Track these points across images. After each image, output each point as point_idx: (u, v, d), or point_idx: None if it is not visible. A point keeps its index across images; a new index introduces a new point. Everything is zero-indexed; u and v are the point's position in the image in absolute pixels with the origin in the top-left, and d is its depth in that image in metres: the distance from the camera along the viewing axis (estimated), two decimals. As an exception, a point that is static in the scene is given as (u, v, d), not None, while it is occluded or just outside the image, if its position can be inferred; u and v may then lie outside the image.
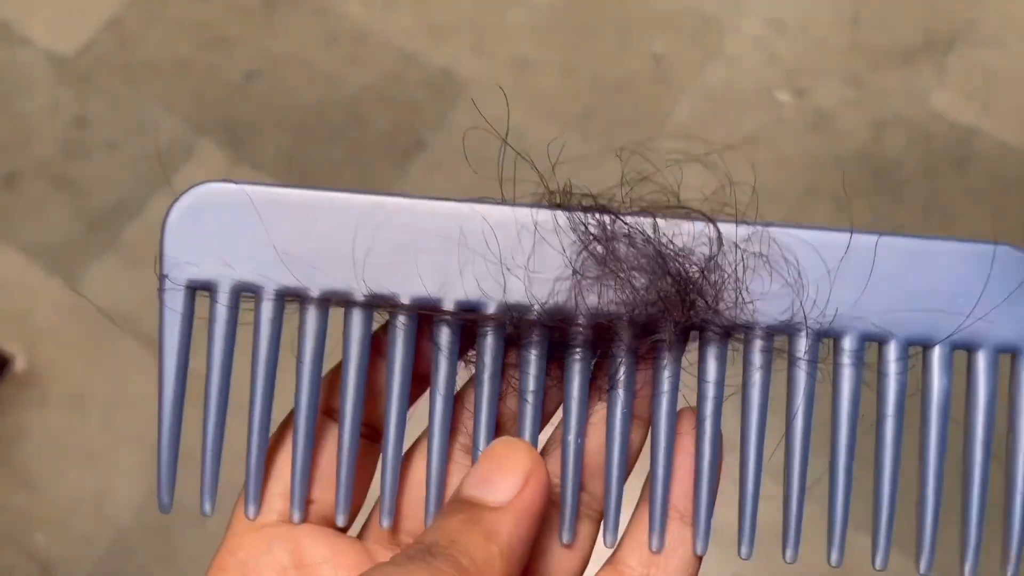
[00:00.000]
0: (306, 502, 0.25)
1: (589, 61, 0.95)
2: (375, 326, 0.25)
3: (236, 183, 0.24)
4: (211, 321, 0.24)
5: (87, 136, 0.93)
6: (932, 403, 0.25)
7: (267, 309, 0.24)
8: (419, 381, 0.26)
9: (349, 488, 0.25)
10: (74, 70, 0.96)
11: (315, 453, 0.26)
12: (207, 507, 0.25)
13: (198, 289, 0.24)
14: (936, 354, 0.25)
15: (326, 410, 0.26)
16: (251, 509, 0.25)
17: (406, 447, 0.26)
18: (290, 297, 0.24)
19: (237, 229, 0.24)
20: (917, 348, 0.25)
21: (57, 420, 0.81)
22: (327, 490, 0.26)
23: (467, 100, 0.93)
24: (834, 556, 0.25)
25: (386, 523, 0.25)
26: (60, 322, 0.84)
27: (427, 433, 0.26)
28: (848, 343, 0.25)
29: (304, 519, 0.25)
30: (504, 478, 0.23)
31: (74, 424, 0.81)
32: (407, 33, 0.97)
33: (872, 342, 0.25)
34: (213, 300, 0.24)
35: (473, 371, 0.25)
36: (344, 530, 0.26)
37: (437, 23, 0.98)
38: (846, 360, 0.25)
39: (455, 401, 0.26)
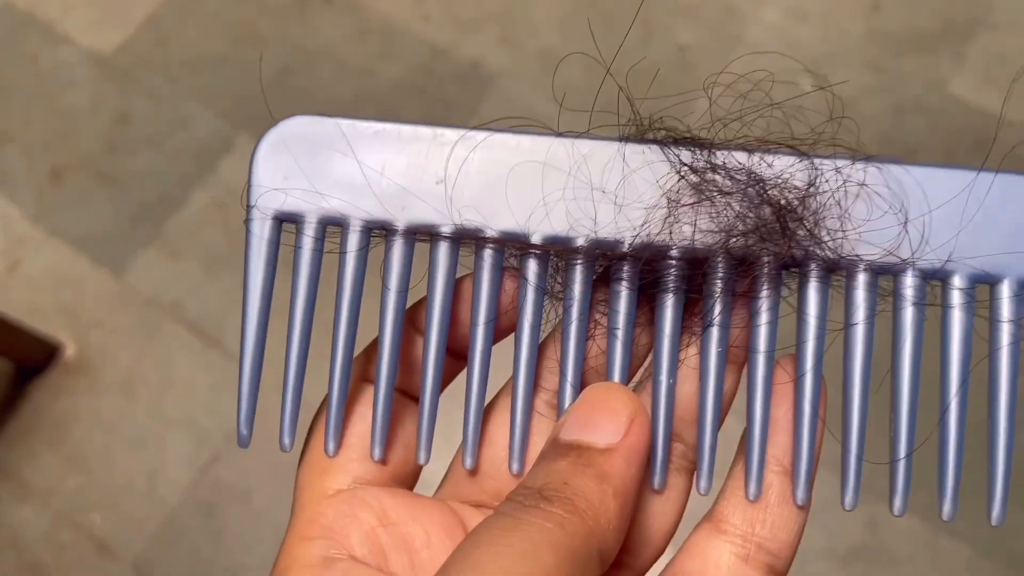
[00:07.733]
0: (387, 443, 0.24)
1: (614, 53, 0.96)
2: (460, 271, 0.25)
3: (328, 116, 0.24)
4: (296, 252, 0.24)
5: (129, 132, 0.95)
6: None
7: (353, 240, 0.23)
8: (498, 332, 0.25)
9: (432, 420, 0.24)
10: (114, 68, 0.99)
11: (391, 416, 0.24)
12: (286, 441, 0.24)
13: (284, 221, 0.24)
14: None
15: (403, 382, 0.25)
16: (331, 446, 0.24)
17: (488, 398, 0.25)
18: (376, 229, 0.24)
19: (325, 161, 0.23)
20: None
21: (107, 405, 0.83)
22: (401, 451, 0.25)
23: (497, 92, 0.95)
24: (946, 509, 0.23)
25: (468, 463, 0.24)
26: (107, 311, 0.87)
27: (505, 390, 0.25)
28: (958, 282, 0.23)
29: (384, 456, 0.24)
30: (609, 420, 0.22)
31: (123, 408, 0.83)
32: (437, 28, 0.99)
33: (983, 284, 0.23)
34: (299, 231, 0.24)
35: (560, 310, 0.24)
36: (415, 478, 0.25)
37: (465, 17, 0.99)
38: (956, 300, 0.23)
39: (537, 354, 0.24)
